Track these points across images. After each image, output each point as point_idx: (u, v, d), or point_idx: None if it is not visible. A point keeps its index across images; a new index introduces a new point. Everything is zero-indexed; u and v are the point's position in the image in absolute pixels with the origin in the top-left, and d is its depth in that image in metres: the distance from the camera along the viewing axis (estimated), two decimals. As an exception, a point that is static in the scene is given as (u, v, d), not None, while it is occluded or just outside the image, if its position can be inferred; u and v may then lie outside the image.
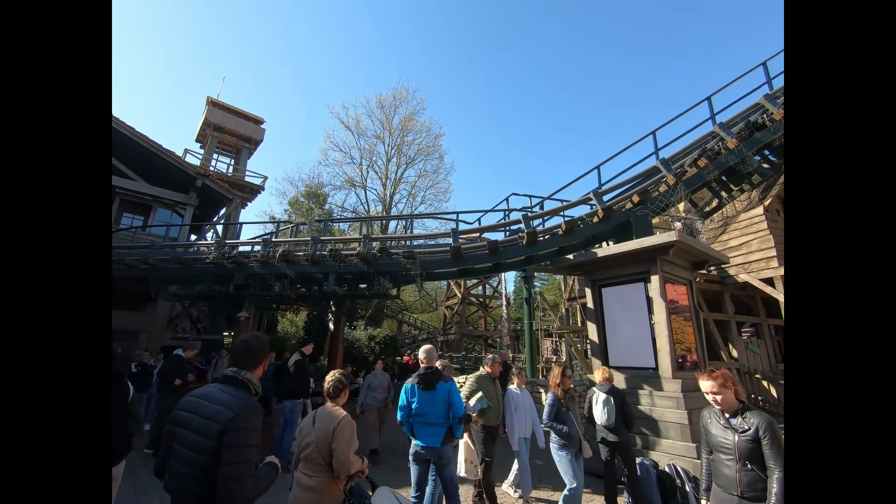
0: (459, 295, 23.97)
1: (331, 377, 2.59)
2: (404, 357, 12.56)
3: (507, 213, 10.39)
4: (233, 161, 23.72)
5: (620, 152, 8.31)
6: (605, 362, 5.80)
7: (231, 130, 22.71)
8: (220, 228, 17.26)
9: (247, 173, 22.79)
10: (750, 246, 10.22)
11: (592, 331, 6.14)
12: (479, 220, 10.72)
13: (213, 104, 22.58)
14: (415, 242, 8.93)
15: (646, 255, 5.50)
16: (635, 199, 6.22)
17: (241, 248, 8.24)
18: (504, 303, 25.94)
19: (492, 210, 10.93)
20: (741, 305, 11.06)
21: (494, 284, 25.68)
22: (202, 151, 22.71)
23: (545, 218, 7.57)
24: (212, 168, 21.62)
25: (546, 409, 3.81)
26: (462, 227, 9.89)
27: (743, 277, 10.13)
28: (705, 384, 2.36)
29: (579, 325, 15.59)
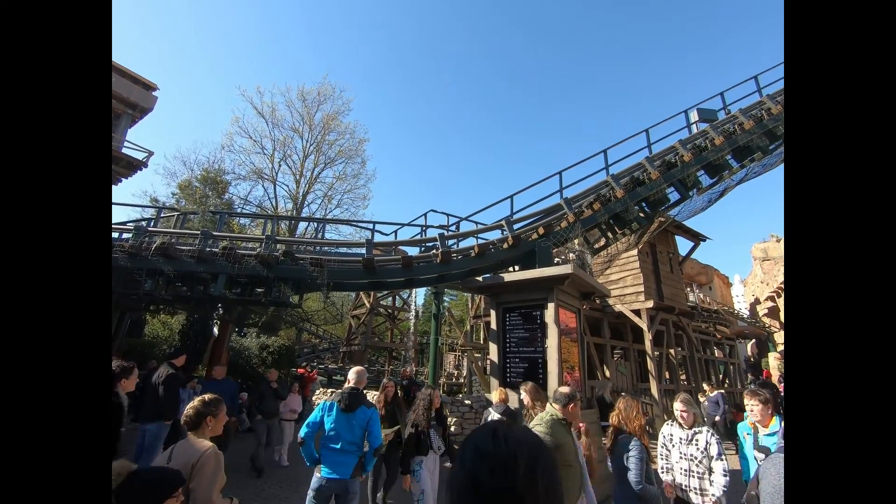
0: (368, 305, 23.29)
1: (191, 405, 2.22)
2: (299, 369, 11.60)
3: (424, 228, 10.48)
4: (107, 127, 19.80)
5: (530, 186, 9.05)
6: (503, 382, 6.11)
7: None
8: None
9: (125, 144, 19.18)
10: (626, 281, 11.96)
11: (494, 351, 6.44)
12: (395, 232, 10.62)
13: (88, 55, 18.69)
14: (325, 248, 8.42)
15: (545, 284, 6.02)
16: (541, 231, 6.81)
17: (103, 234, 6.78)
18: (413, 315, 25.94)
19: (409, 224, 10.91)
20: (615, 331, 12.78)
21: (405, 296, 25.58)
22: (64, 108, 18.52)
23: (459, 238, 7.82)
24: (76, 131, 17.73)
25: (635, 466, 2.74)
26: (378, 238, 9.68)
27: (619, 307, 11.77)
28: None
29: (482, 342, 16.33)
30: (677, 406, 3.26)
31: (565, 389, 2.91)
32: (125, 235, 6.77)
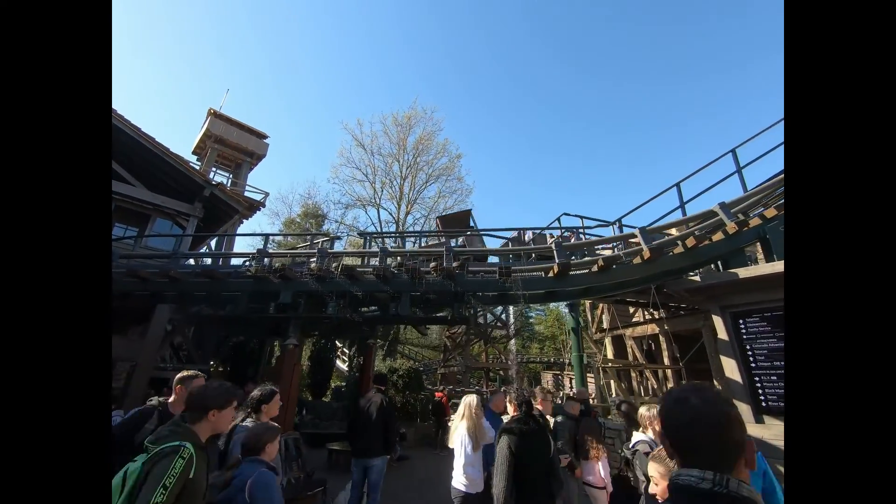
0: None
1: None
2: (437, 394, 11.06)
3: (561, 232, 9.63)
4: (231, 175, 22.32)
5: (702, 168, 7.75)
6: (758, 409, 4.79)
7: (233, 143, 21.47)
8: (213, 244, 15.69)
9: (247, 188, 21.39)
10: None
11: (731, 369, 5.14)
12: (532, 239, 9.92)
13: (215, 116, 21.41)
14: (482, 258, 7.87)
15: (809, 278, 4.66)
16: (770, 212, 5.46)
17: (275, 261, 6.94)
18: (512, 333, 24.80)
19: (545, 228, 10.14)
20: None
21: (498, 313, 24.64)
22: (199, 164, 21.29)
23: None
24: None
25: None
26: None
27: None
28: None
29: (611, 357, 14.57)
30: None
31: None
32: (253, 261, 6.83)
